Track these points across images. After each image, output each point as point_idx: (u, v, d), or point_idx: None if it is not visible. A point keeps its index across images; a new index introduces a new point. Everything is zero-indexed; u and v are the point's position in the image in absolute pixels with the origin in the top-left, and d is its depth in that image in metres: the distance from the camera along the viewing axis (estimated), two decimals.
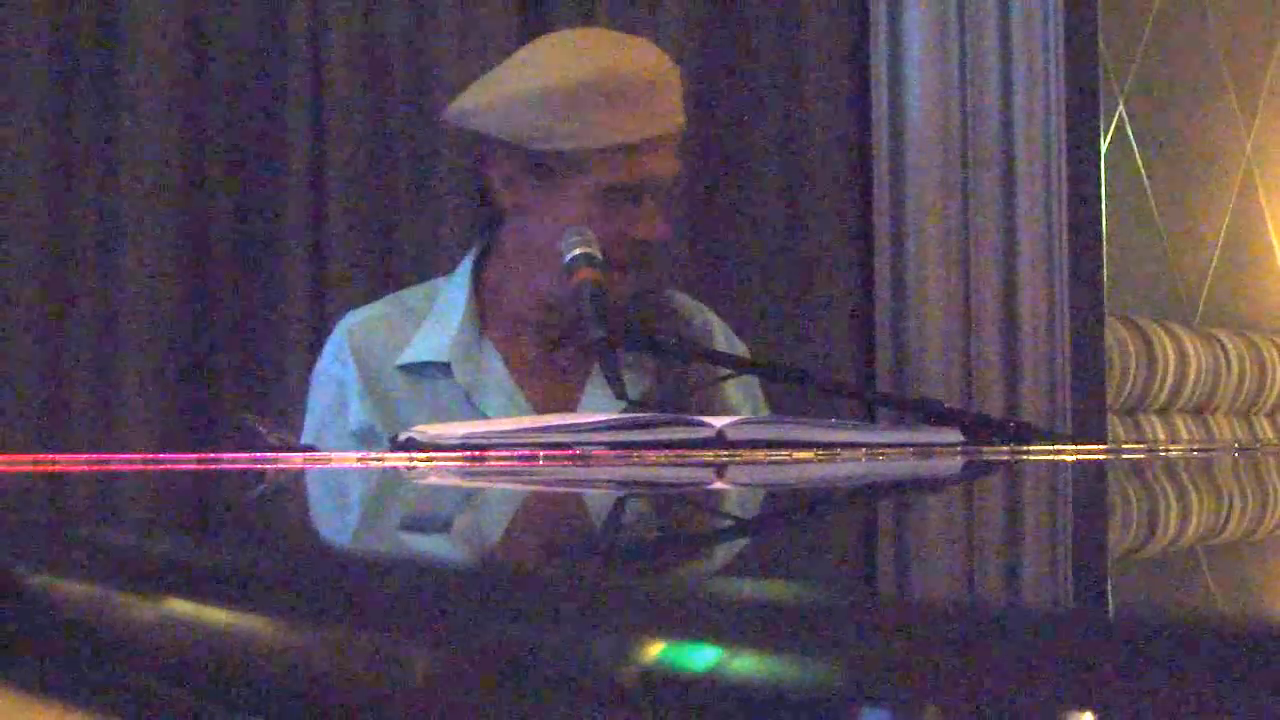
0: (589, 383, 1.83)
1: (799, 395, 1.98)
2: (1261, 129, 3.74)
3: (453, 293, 1.86)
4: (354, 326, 1.86)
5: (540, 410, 1.81)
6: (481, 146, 1.82)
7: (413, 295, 1.90)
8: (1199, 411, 3.32)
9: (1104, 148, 2.92)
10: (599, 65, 1.78)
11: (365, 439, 1.79)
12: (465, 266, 1.87)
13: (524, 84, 1.78)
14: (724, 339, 1.96)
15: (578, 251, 1.69)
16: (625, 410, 1.56)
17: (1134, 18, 3.40)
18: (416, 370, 1.82)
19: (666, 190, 1.83)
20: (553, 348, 1.84)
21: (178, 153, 2.09)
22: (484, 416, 1.77)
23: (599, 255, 1.70)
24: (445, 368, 1.81)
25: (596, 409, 1.75)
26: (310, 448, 1.76)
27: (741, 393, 1.92)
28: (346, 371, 1.83)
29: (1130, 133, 3.37)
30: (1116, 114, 3.32)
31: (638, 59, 1.81)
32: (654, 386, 1.81)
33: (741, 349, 1.97)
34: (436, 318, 1.84)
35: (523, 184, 1.80)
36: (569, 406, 1.81)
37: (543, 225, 1.79)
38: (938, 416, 1.60)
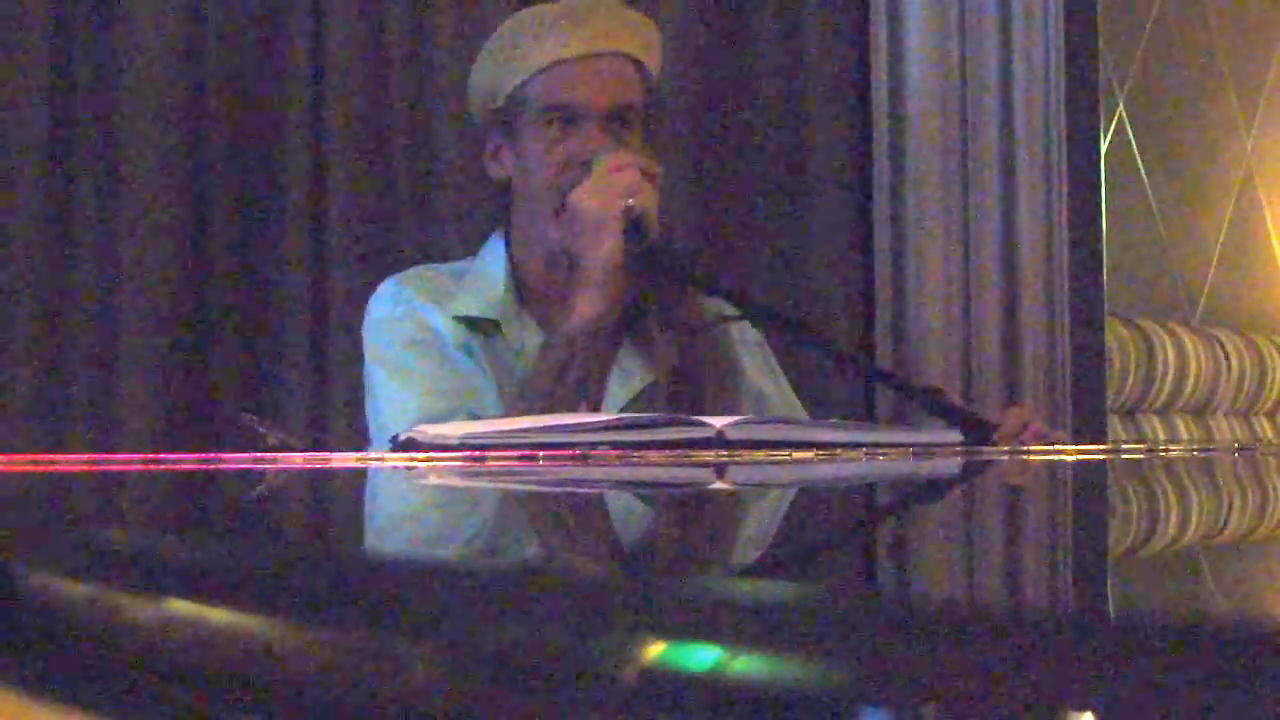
0: (621, 352, 1.83)
1: (805, 360, 2.00)
2: (1261, 129, 3.74)
3: (486, 270, 1.87)
4: (403, 278, 1.87)
5: None
6: (479, 132, 1.91)
7: (437, 269, 1.92)
8: (1199, 411, 3.32)
9: (1104, 148, 2.91)
10: (525, 8, 1.88)
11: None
12: (497, 249, 1.88)
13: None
14: (738, 335, 1.96)
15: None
16: (627, 408, 1.56)
17: (1134, 18, 3.40)
18: (468, 324, 1.82)
19: (625, 120, 1.81)
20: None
21: (178, 152, 2.09)
22: None
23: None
24: (494, 325, 1.82)
25: (627, 380, 1.79)
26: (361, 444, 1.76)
27: (763, 366, 1.93)
28: (418, 308, 1.82)
29: (1130, 133, 3.37)
30: (1116, 114, 3.32)
31: None
32: (677, 359, 1.81)
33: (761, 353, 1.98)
34: (471, 288, 1.85)
35: (504, 151, 1.87)
36: (600, 379, 1.80)
37: (525, 181, 1.84)
38: (933, 406, 1.61)
